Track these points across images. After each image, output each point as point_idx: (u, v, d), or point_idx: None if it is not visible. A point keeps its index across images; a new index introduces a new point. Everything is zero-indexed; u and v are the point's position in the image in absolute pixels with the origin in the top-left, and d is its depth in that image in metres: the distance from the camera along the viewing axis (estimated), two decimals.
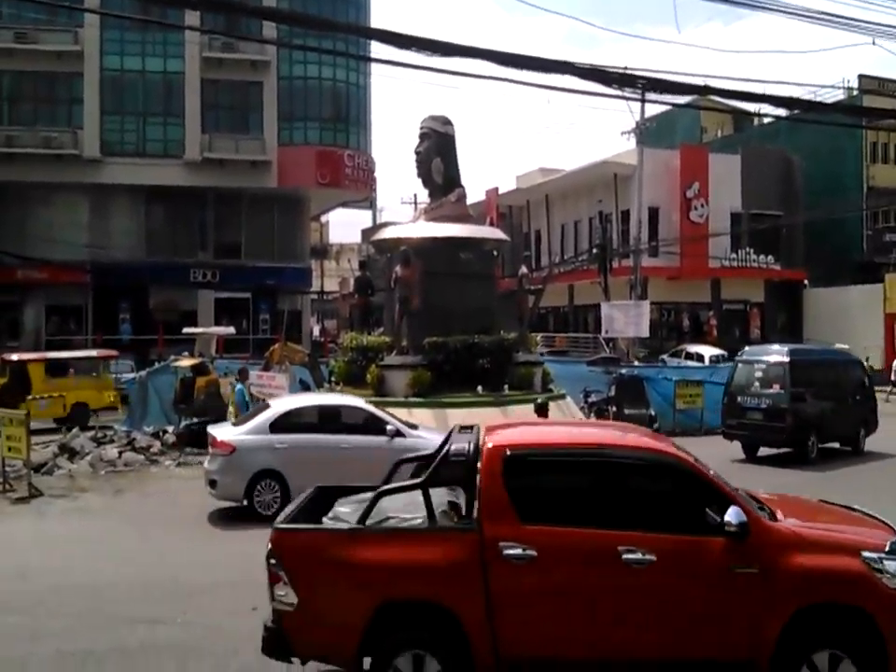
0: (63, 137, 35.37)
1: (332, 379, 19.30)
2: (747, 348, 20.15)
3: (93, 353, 25.69)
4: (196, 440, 18.11)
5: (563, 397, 18.75)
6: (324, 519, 6.18)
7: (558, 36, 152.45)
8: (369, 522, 5.83)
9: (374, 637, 5.51)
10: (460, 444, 6.01)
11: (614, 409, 20.92)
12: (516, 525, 5.54)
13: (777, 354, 17.92)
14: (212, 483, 12.34)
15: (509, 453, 5.81)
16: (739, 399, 17.55)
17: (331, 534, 5.87)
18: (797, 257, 39.54)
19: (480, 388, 17.36)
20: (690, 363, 28.82)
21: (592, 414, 20.80)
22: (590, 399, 21.21)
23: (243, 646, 7.05)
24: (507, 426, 7.28)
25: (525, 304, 21.01)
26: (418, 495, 5.90)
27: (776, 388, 16.97)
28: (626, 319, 29.65)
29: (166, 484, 14.87)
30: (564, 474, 5.87)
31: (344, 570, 5.58)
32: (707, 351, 30.66)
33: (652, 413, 20.77)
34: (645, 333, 30.37)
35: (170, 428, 19.19)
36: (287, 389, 17.35)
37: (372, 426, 12.87)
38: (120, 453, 17.11)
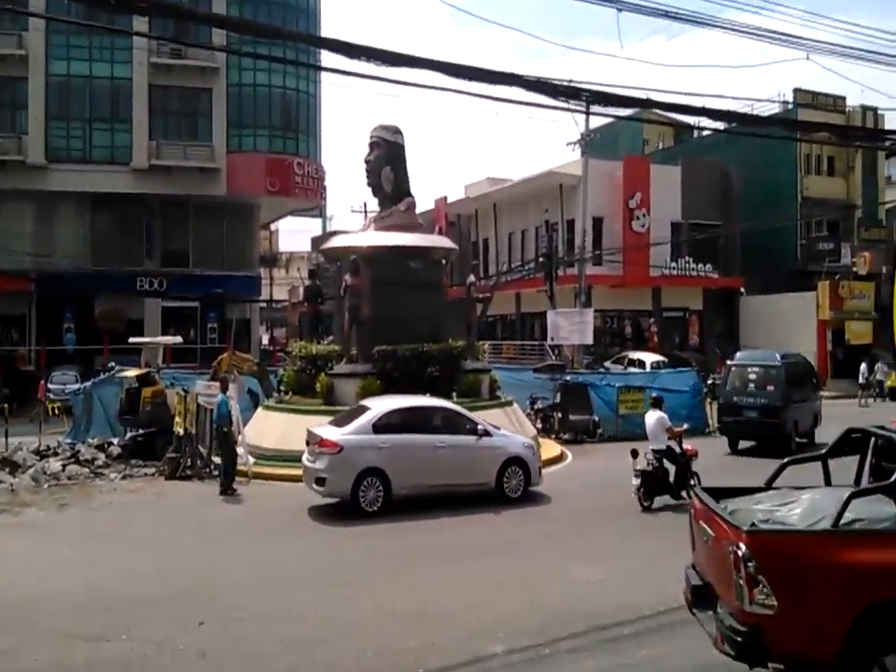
0: (6, 143, 34.88)
1: (282, 388, 19.40)
2: (738, 354, 22.19)
3: None
4: (142, 451, 18.10)
5: (510, 403, 19.16)
6: (753, 521, 6.16)
7: (507, 49, 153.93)
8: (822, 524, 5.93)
9: (855, 640, 5.47)
10: None
11: (559, 415, 21.49)
12: None
13: (769, 359, 20.13)
14: (319, 481, 12.83)
15: None
16: (735, 399, 19.42)
17: (815, 537, 5.82)
18: (734, 265, 40.70)
19: (429, 396, 17.67)
20: (632, 370, 29.51)
21: (538, 420, 21.32)
22: (536, 406, 21.72)
23: (191, 662, 7.12)
24: None
25: (472, 312, 21.38)
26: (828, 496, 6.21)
27: (770, 389, 19.05)
28: (571, 327, 30.24)
29: (111, 497, 14.70)
30: None
31: (829, 574, 5.55)
32: (649, 358, 31.43)
33: (596, 418, 21.40)
34: (589, 340, 31.01)
35: (115, 440, 19.05)
36: (235, 399, 17.38)
37: (462, 426, 13.85)
38: (64, 466, 16.83)
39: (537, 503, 13.66)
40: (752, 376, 19.63)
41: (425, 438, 13.39)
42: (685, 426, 14.91)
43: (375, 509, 12.72)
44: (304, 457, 13.51)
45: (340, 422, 13.76)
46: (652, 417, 13.71)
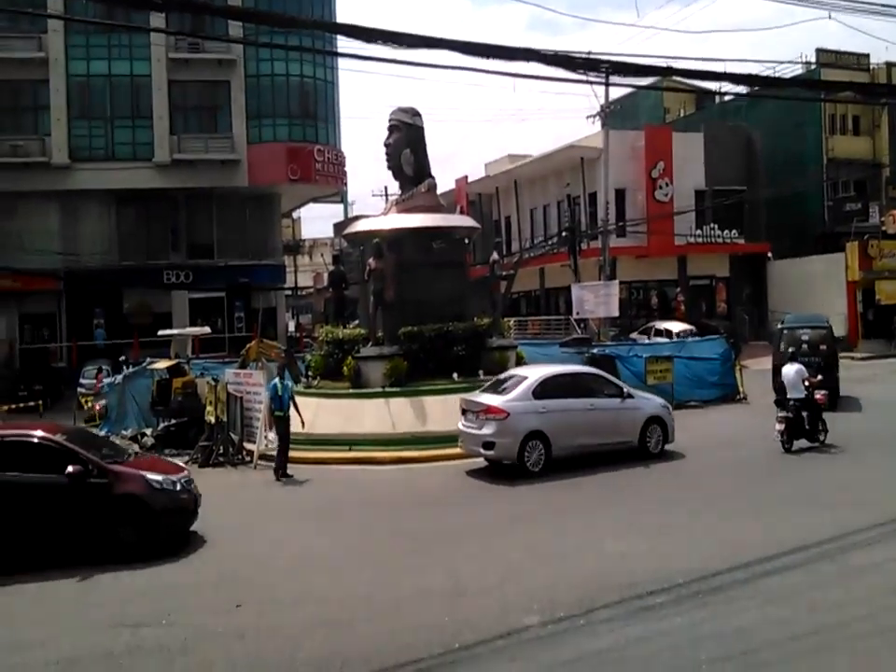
0: (30, 145, 35.26)
1: (309, 373, 19.59)
2: (786, 317, 22.95)
3: None
4: (174, 440, 18.38)
5: None
6: None
7: (521, 24, 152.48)
8: None
9: None
10: None
11: None
12: None
13: (819, 321, 21.63)
14: (487, 445, 13.83)
15: None
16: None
17: None
18: (760, 230, 40.11)
19: (455, 375, 17.78)
20: (659, 339, 29.33)
21: None
22: None
23: (229, 643, 7.25)
24: None
25: (497, 290, 21.40)
26: None
27: (823, 348, 20.16)
28: (596, 300, 30.10)
29: None
30: None
31: None
32: (675, 327, 31.09)
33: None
34: (615, 313, 30.86)
35: (148, 431, 19.34)
36: (264, 386, 17.57)
37: (607, 389, 15.02)
38: None
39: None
40: (805, 338, 20.53)
41: (578, 401, 14.35)
42: (819, 377, 15.99)
43: (538, 469, 13.66)
44: (461, 425, 14.47)
45: (496, 390, 14.64)
46: (792, 369, 15.27)
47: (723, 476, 13.32)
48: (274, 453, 15.46)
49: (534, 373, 14.77)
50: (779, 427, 14.78)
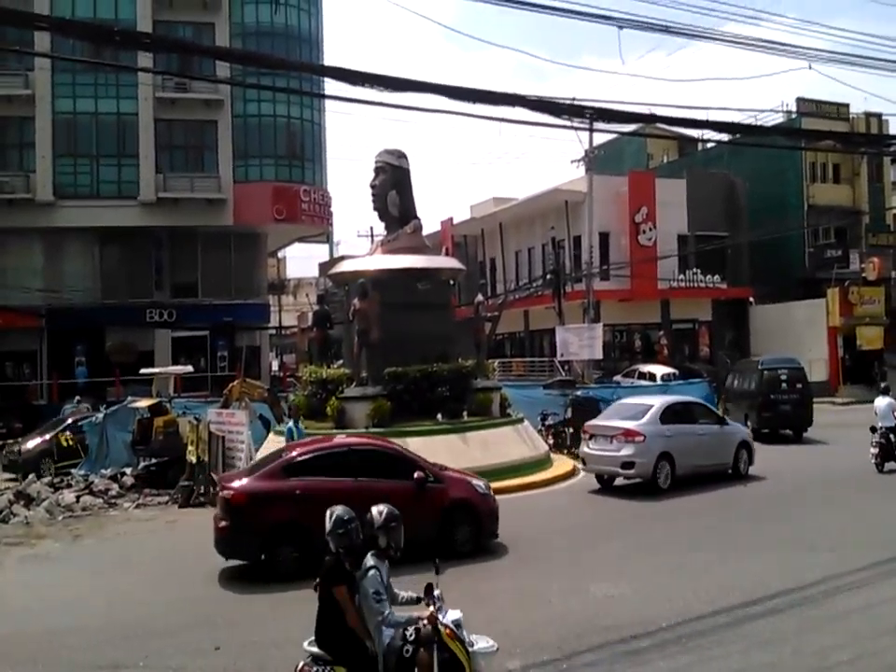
0: (14, 181, 35.14)
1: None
2: (764, 358, 25.49)
3: None
4: (155, 480, 18.08)
5: (521, 420, 19.12)
6: None
7: (509, 69, 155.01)
8: None
9: None
10: None
11: (571, 430, 21.39)
12: None
13: (794, 362, 24.27)
14: (627, 465, 15.20)
15: None
16: (772, 396, 22.71)
17: None
18: (742, 275, 40.57)
19: (439, 416, 17.63)
20: (643, 382, 29.36)
21: (549, 436, 21.22)
22: (547, 422, 21.64)
23: None
24: None
25: (481, 331, 21.35)
26: None
27: (799, 386, 22.90)
28: (581, 342, 30.14)
29: (125, 527, 14.72)
30: None
31: None
32: (659, 370, 31.19)
33: None
34: (599, 355, 30.90)
35: (128, 470, 19.05)
36: (246, 426, 17.39)
37: (709, 417, 16.76)
38: (78, 497, 16.88)
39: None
40: (783, 376, 22.98)
41: (692, 427, 16.03)
42: None
43: (667, 486, 15.14)
44: (587, 449, 16.15)
45: (621, 416, 16.12)
46: (884, 402, 17.36)
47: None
48: None
49: (656, 401, 16.42)
50: (874, 450, 16.83)
